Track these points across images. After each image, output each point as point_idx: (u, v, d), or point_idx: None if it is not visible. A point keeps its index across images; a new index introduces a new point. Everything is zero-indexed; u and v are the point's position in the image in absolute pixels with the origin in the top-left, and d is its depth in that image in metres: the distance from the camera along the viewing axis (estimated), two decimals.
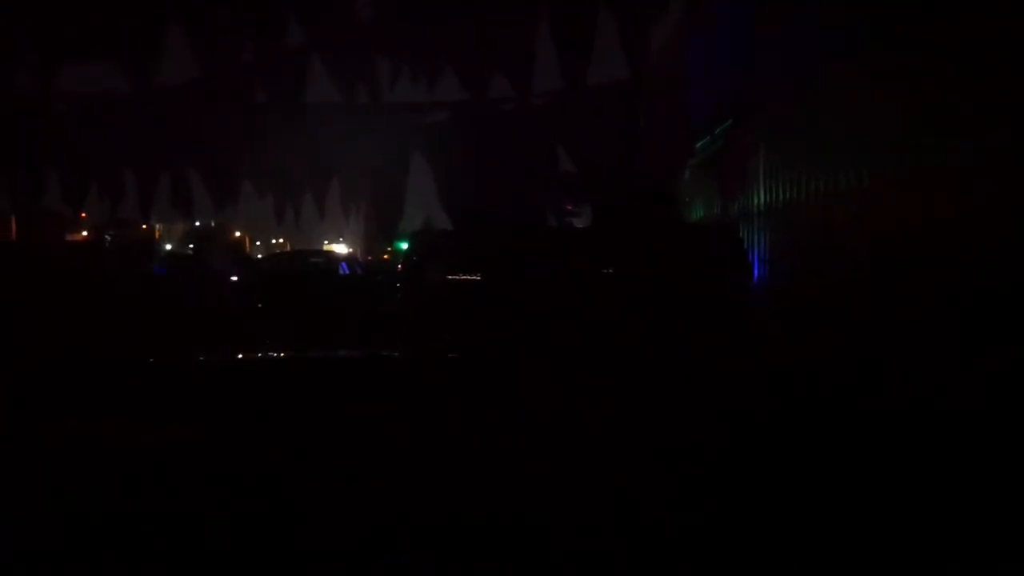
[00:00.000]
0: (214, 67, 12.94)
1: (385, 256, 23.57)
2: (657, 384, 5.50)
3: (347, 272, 17.15)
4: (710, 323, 7.98)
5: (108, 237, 25.14)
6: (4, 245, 18.08)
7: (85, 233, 28.52)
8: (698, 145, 17.54)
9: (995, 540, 3.27)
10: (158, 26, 12.20)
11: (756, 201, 12.40)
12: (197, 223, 36.46)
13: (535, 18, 18.05)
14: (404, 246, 19.11)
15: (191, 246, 36.22)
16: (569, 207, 19.68)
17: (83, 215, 28.99)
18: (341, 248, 41.17)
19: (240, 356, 5.74)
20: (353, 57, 16.29)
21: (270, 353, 5.98)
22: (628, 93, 20.27)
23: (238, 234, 42.75)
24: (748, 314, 9.01)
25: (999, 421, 4.55)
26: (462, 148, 19.67)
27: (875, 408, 5.10)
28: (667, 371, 5.91)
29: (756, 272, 11.33)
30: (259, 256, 34.25)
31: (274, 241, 48.32)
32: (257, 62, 14.14)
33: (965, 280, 5.62)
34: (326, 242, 44.49)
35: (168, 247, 38.91)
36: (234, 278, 14.85)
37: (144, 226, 29.12)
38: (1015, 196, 4.98)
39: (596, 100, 19.80)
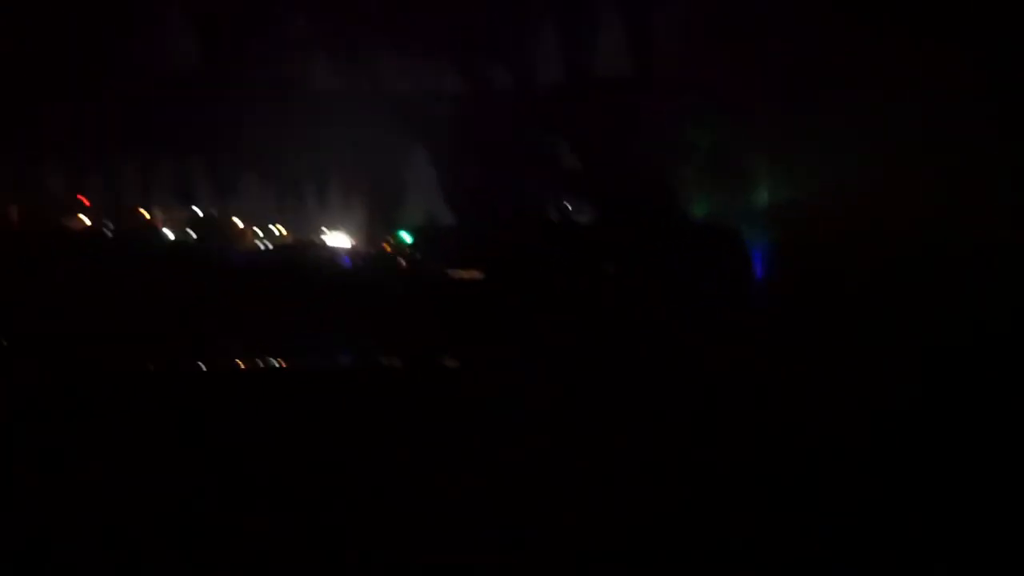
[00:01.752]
0: (214, 56, 12.85)
1: (386, 246, 23.46)
2: (660, 382, 5.46)
3: (349, 265, 17.01)
4: (713, 323, 7.98)
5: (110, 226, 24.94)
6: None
7: (88, 221, 28.37)
8: (701, 143, 17.45)
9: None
10: (159, 14, 12.12)
11: (759, 200, 12.37)
12: (199, 212, 36.26)
13: (542, 10, 17.91)
14: (405, 236, 19.00)
15: (193, 235, 35.97)
16: (571, 202, 19.59)
17: (86, 201, 28.84)
18: (343, 239, 40.92)
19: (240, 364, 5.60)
20: (355, 47, 16.17)
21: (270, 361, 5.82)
22: (635, 89, 20.23)
23: (241, 224, 42.42)
24: (750, 313, 9.01)
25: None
26: (464, 140, 19.58)
27: None
28: (668, 370, 5.88)
29: (759, 272, 11.31)
30: (266, 246, 34.02)
31: (273, 231, 48.10)
32: (258, 52, 14.06)
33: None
34: (324, 230, 44.31)
35: (171, 236, 38.68)
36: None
37: (146, 214, 28.94)
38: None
39: (601, 95, 19.76)
